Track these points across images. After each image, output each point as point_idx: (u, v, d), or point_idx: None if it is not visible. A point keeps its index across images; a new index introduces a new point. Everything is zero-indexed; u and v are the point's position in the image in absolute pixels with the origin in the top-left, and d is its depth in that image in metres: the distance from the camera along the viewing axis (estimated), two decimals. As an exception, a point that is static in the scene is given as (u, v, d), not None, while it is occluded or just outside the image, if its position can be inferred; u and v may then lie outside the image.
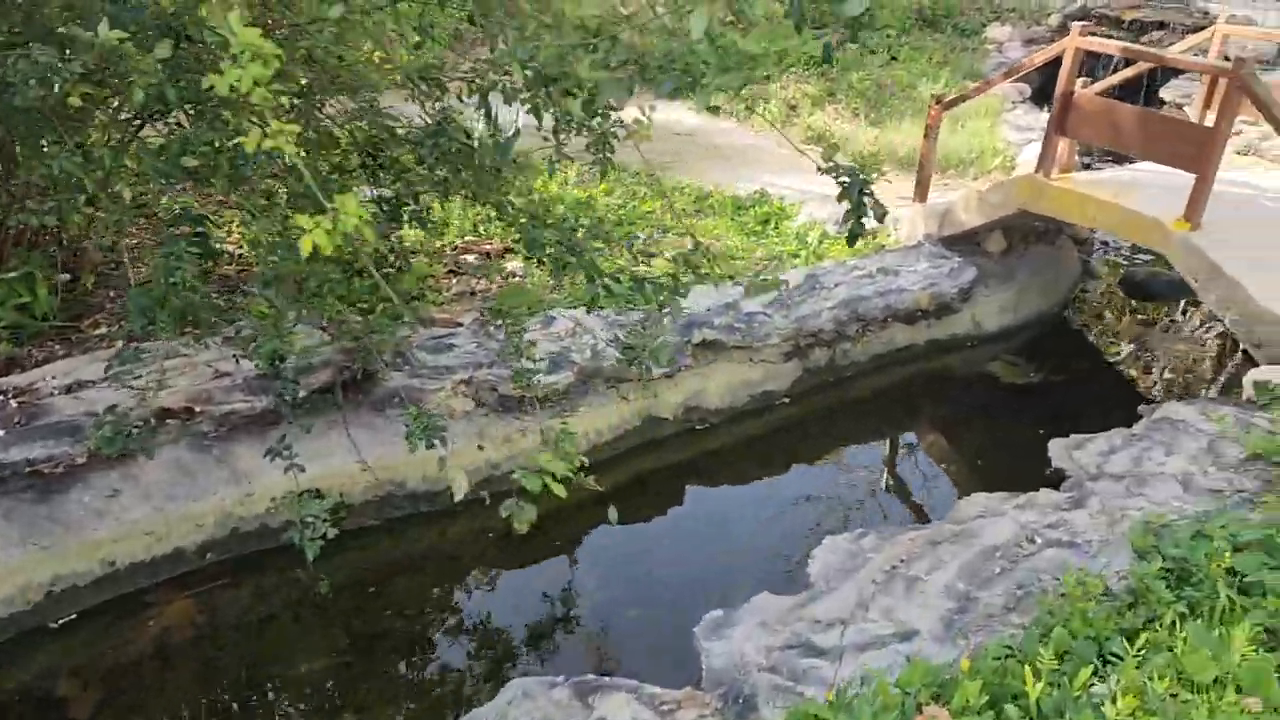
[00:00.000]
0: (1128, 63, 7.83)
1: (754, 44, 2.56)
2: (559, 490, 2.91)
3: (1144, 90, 12.89)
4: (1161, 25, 14.08)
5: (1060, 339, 7.41)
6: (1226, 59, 13.06)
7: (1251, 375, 5.35)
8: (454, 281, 6.45)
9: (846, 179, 3.38)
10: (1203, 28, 13.71)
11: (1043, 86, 12.72)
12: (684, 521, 5.31)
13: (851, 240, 3.43)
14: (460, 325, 5.69)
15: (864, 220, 3.40)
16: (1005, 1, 16.08)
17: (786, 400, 6.24)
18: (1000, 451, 6.10)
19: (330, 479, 4.80)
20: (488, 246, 6.89)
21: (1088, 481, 4.46)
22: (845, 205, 3.48)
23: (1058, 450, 4.86)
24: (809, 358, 6.38)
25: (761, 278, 3.66)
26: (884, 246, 7.40)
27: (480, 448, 5.17)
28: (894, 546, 3.96)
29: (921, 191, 7.34)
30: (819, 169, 3.41)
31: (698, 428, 5.92)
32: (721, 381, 6.01)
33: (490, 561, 4.91)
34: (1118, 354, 7.22)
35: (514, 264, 6.67)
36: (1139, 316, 7.81)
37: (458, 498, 3.01)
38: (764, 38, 2.56)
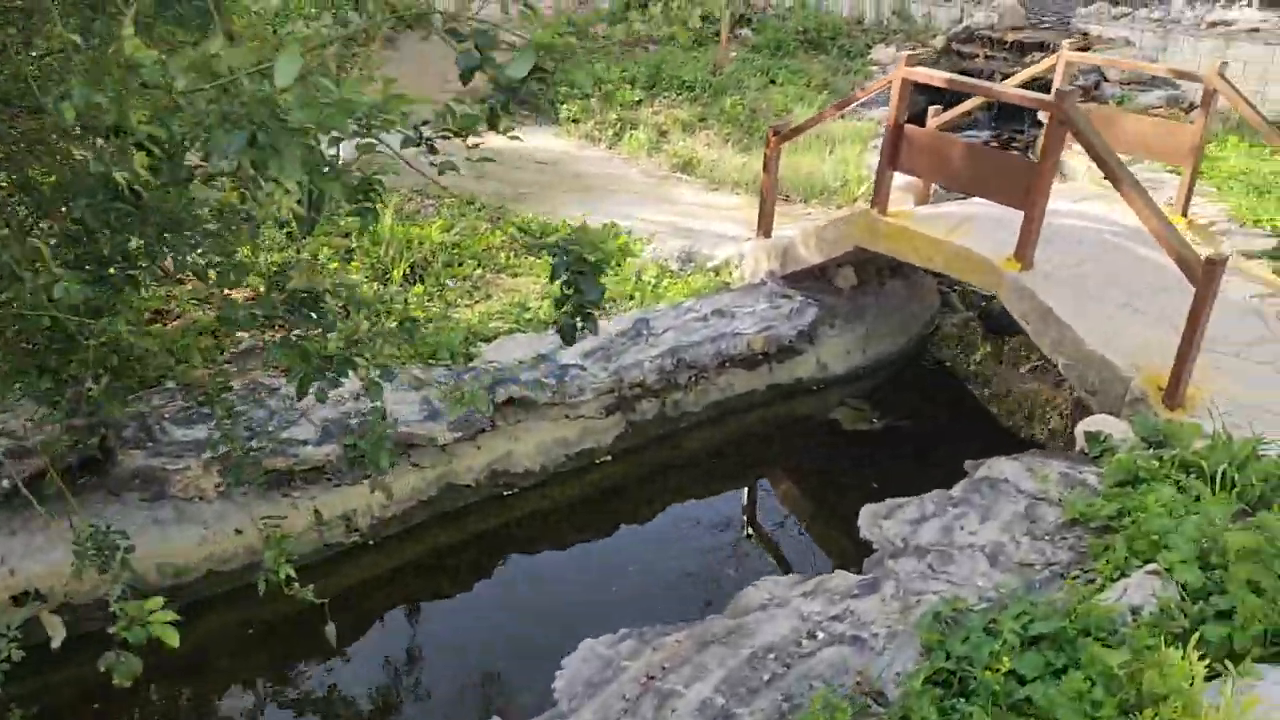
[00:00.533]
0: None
1: (351, 90, 2.08)
2: (171, 638, 2.39)
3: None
4: (1041, 46, 14.03)
5: (913, 379, 7.08)
6: (1095, 88, 13.05)
7: (1083, 425, 5.03)
8: (246, 336, 5.88)
9: (562, 257, 2.82)
10: (1082, 50, 13.71)
11: (921, 114, 12.58)
12: (454, 614, 4.79)
13: (567, 340, 2.89)
14: (230, 389, 5.12)
15: (586, 316, 2.83)
16: (892, 23, 15.97)
17: (609, 459, 5.78)
18: (822, 517, 5.71)
19: (51, 578, 4.21)
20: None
21: (889, 559, 4.06)
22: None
23: (867, 519, 4.46)
24: (635, 410, 5.94)
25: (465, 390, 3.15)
26: (727, 284, 7.01)
27: (238, 531, 4.62)
28: (656, 651, 3.50)
29: (764, 225, 6.96)
30: (526, 247, 2.92)
31: (505, 494, 5.43)
32: (533, 442, 5.53)
33: (239, 661, 4.36)
34: (972, 395, 6.91)
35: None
36: (997, 353, 7.53)
37: (55, 645, 2.47)
38: (356, 85, 2.09)
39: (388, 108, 2.32)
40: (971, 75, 13.64)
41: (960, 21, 15.26)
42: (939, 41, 14.79)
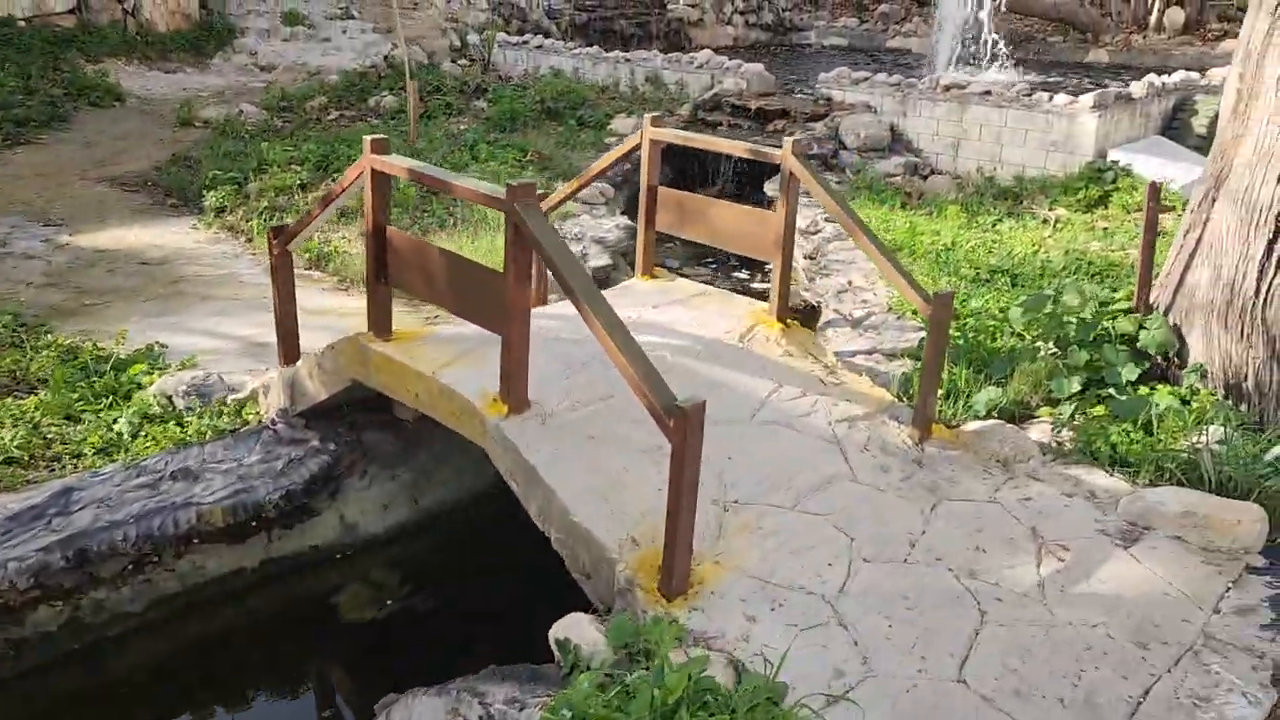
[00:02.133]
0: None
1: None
2: None
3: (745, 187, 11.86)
4: (784, 113, 13.19)
5: (487, 529, 5.66)
6: (833, 156, 12.22)
7: (553, 630, 3.66)
8: None
9: None
10: (823, 115, 12.90)
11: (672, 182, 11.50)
12: None
13: None
14: None
15: None
16: (645, 90, 15.01)
17: (-32, 697, 4.17)
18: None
19: None
20: None
21: None
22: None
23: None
24: (27, 620, 4.35)
25: None
26: (246, 423, 5.51)
27: None
28: None
29: (284, 349, 5.46)
30: None
31: None
32: None
33: None
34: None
35: None
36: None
37: None
38: None
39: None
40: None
41: (711, 88, 14.39)
42: (686, 110, 13.85)
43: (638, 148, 5.93)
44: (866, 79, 12.89)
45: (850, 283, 7.78)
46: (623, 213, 10.34)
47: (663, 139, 5.83)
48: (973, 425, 4.96)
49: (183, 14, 15.80)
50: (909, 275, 4.77)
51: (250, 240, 8.99)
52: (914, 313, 6.59)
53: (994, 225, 9.51)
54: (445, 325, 5.57)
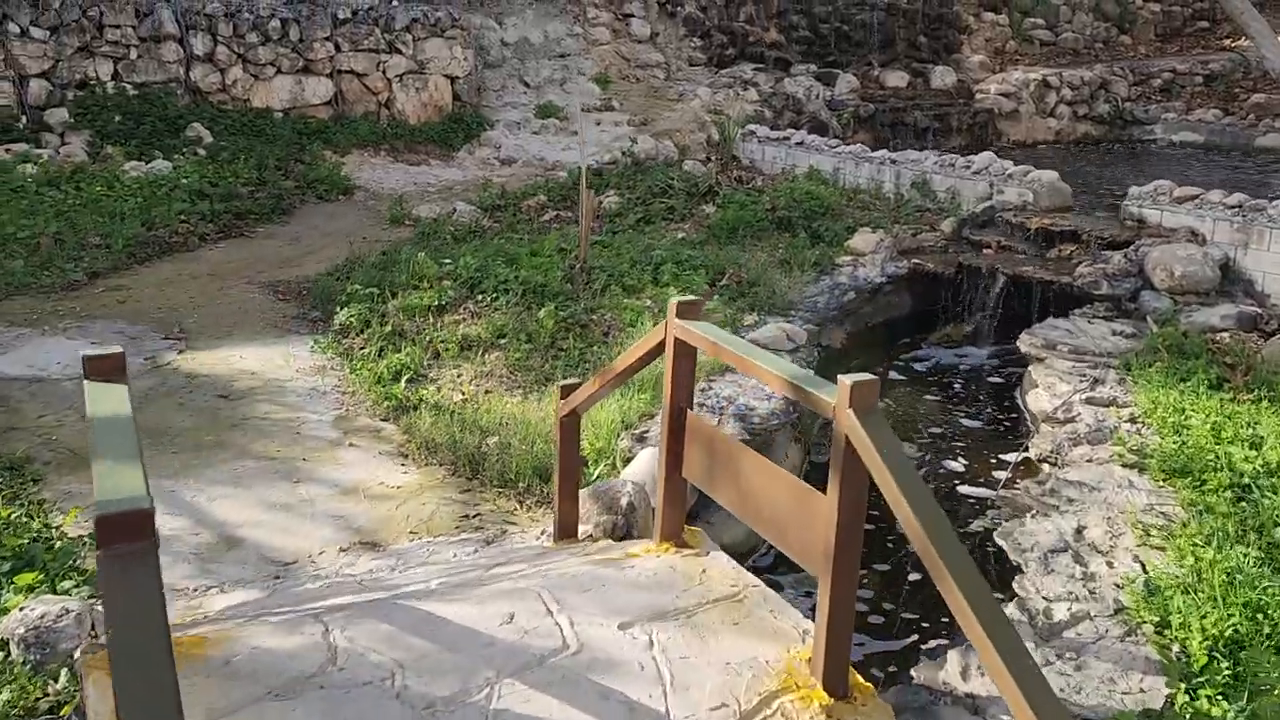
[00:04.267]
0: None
1: None
2: None
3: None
4: (1074, 237, 10.24)
5: None
6: (1132, 299, 9.03)
7: None
8: None
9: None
10: (1126, 243, 9.83)
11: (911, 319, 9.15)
12: None
13: None
14: None
15: None
16: (912, 198, 12.56)
17: None
18: None
19: None
20: None
21: None
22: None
23: None
24: None
25: None
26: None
27: None
28: None
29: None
30: None
31: None
32: None
33: None
34: None
35: None
36: None
37: None
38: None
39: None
40: (975, 271, 10.10)
41: (989, 199, 11.69)
42: (949, 225, 11.28)
43: (661, 346, 3.78)
44: (1194, 197, 9.68)
45: (1082, 530, 5.01)
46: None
47: (692, 340, 3.61)
48: None
49: (435, 106, 15.50)
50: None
51: (354, 372, 7.70)
52: (1160, 624, 3.82)
53: None
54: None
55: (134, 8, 13.67)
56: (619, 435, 6.30)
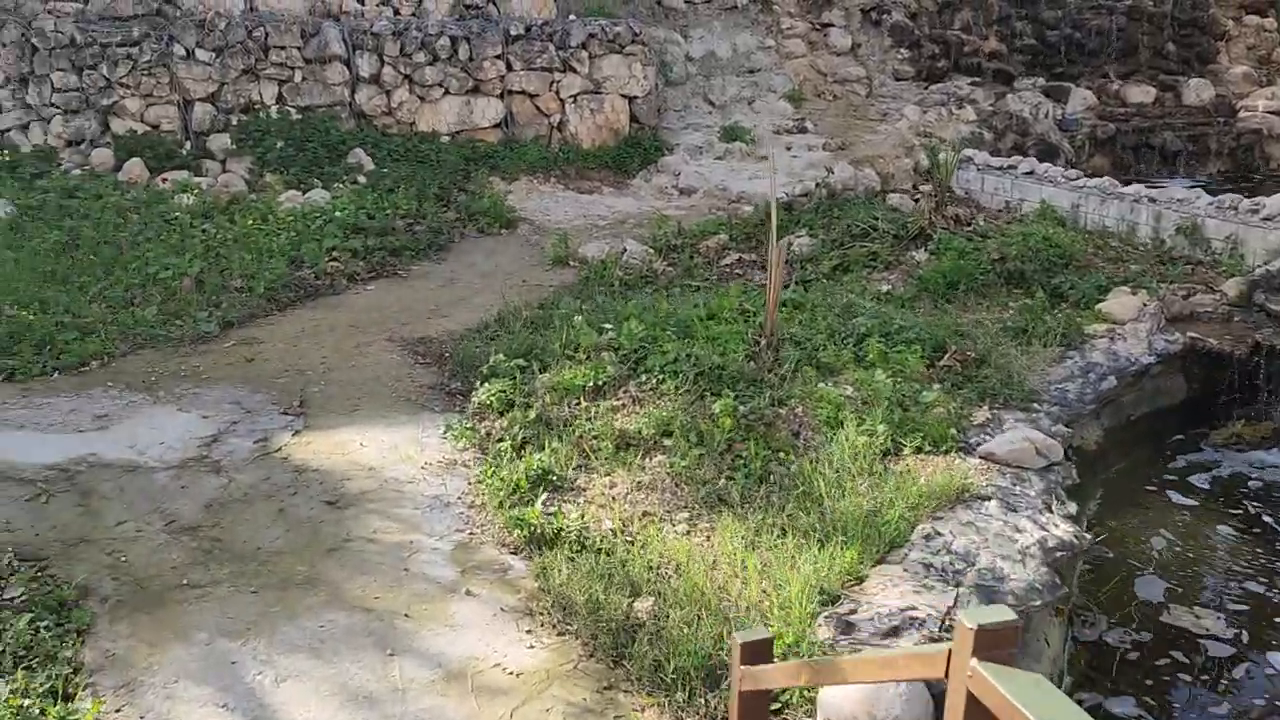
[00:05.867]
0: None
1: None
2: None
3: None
4: None
5: None
6: None
7: None
8: None
9: None
10: None
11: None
12: None
13: None
14: None
15: None
16: (1177, 245, 10.24)
17: None
18: None
19: None
20: None
21: None
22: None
23: None
24: None
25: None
26: None
27: None
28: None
29: None
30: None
31: None
32: None
33: None
34: None
35: None
36: None
37: None
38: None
39: None
40: (1278, 352, 7.91)
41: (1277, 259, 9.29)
42: (1234, 286, 8.98)
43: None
44: None
45: None
46: (1071, 491, 6.08)
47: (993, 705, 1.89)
48: None
49: (610, 129, 14.17)
50: None
51: (485, 479, 6.31)
52: None
53: None
54: None
55: (300, 28, 12.96)
56: (815, 615, 4.60)
